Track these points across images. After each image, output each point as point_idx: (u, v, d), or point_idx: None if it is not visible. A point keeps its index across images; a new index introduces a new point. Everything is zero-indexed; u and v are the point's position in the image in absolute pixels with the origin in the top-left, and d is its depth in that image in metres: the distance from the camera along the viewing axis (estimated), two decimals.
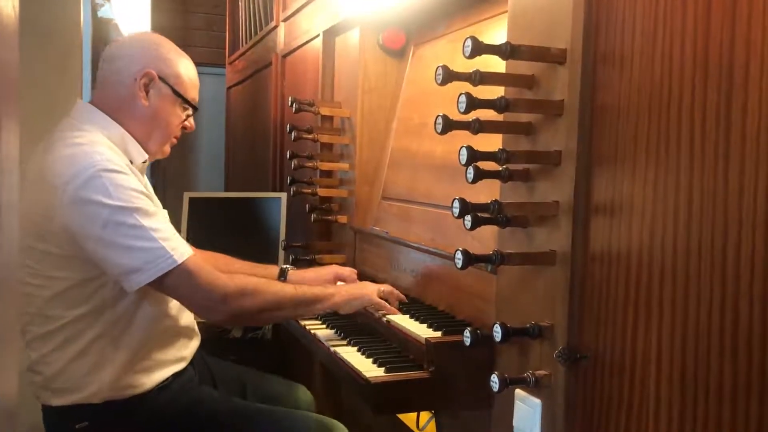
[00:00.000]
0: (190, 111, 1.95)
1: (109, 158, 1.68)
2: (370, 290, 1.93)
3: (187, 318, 1.96)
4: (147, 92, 1.84)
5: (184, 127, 1.96)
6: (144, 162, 1.87)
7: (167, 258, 1.64)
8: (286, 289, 1.83)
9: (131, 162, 1.80)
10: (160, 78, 1.84)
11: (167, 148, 1.97)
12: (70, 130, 1.77)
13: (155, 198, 1.81)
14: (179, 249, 1.67)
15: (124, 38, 1.94)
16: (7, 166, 0.73)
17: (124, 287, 1.68)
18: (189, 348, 1.96)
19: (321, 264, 2.44)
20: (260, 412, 1.90)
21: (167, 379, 1.86)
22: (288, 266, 2.23)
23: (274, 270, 2.20)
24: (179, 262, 1.65)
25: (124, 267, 1.64)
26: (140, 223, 1.64)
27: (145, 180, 1.89)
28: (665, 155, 1.05)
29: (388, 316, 1.86)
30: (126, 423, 1.80)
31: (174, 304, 1.87)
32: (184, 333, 1.94)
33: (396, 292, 1.96)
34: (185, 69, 1.91)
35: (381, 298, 1.92)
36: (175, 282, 1.66)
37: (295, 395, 2.24)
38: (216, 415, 1.88)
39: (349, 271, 2.20)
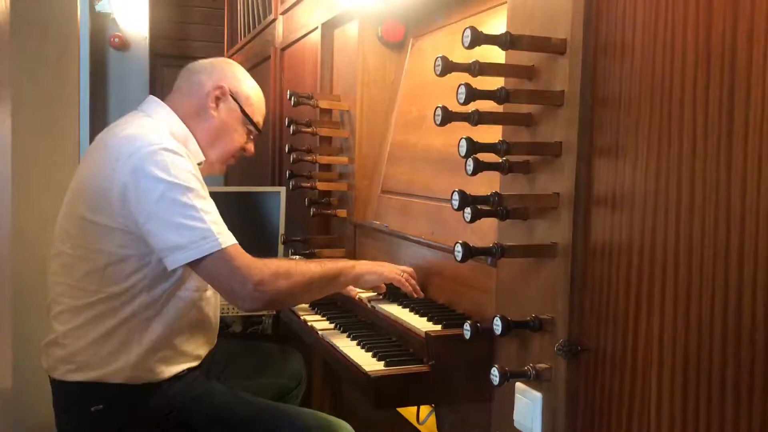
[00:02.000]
0: (253, 133, 2.07)
1: (168, 141, 1.77)
2: (388, 271, 1.95)
3: (214, 316, 1.99)
4: (218, 105, 1.97)
5: (243, 149, 2.07)
6: (199, 164, 1.92)
7: (212, 240, 1.68)
8: (314, 268, 1.85)
9: None
10: (232, 95, 1.98)
11: (224, 168, 2.07)
12: (137, 117, 1.88)
13: (206, 187, 1.85)
14: (225, 234, 1.71)
15: (209, 59, 2.09)
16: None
17: (165, 264, 1.71)
18: (206, 349, 2.00)
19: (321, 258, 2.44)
20: (268, 408, 1.92)
21: (182, 372, 1.89)
22: (296, 257, 2.23)
23: None
24: (222, 246, 1.69)
25: (170, 242, 1.68)
26: (192, 203, 1.69)
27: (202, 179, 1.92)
28: (667, 146, 1.04)
29: (383, 307, 1.86)
30: (139, 411, 1.81)
31: (206, 296, 1.91)
32: (207, 330, 1.97)
33: (414, 279, 1.95)
34: (255, 94, 2.06)
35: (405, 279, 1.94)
36: (213, 264, 1.69)
37: (286, 360, 2.32)
38: (223, 410, 1.89)
39: None
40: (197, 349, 1.94)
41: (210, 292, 1.93)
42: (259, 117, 2.07)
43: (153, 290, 1.79)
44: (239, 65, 2.10)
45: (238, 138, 2.03)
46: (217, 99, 1.97)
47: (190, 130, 1.94)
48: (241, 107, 2.00)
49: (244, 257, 1.73)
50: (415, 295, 1.90)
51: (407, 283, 1.91)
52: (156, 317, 1.81)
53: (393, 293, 1.98)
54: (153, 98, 1.97)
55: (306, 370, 2.40)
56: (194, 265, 1.70)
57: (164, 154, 1.71)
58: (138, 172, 1.69)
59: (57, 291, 1.82)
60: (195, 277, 1.82)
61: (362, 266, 1.94)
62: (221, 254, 1.68)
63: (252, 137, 2.08)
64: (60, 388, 1.83)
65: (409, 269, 1.97)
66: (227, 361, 2.20)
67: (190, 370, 1.92)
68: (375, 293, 2.01)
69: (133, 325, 1.79)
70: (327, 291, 1.95)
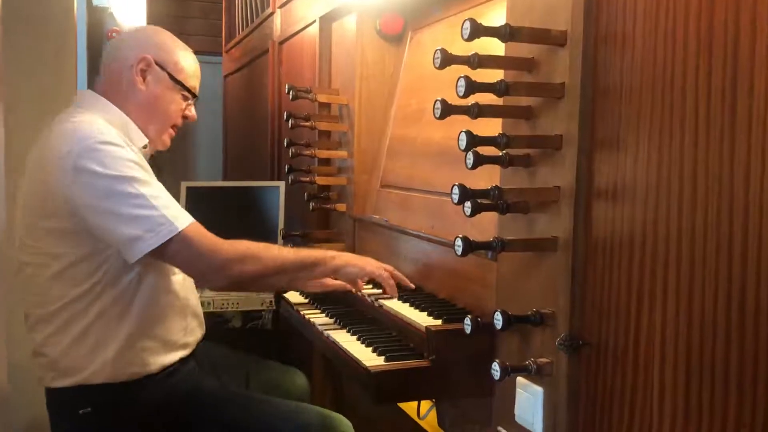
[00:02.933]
0: (190, 99, 1.97)
1: (104, 131, 1.71)
2: (370, 266, 1.93)
3: (194, 298, 1.97)
4: (144, 78, 1.88)
5: (185, 117, 1.98)
6: (144, 147, 1.88)
7: (168, 225, 1.65)
8: (287, 254, 1.83)
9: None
10: (158, 64, 1.88)
11: (167, 139, 1.98)
12: (70, 113, 1.82)
13: (153, 176, 1.80)
14: (180, 217, 1.68)
15: (126, 30, 1.99)
16: None
17: (126, 258, 1.69)
18: (194, 336, 1.96)
19: None
20: (263, 403, 1.90)
21: (173, 364, 1.87)
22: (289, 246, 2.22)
23: None
24: (180, 229, 1.66)
25: (125, 236, 1.65)
26: (139, 192, 1.66)
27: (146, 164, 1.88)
28: (669, 138, 1.02)
29: (383, 302, 1.85)
30: (128, 409, 1.79)
31: (176, 281, 1.88)
32: (187, 314, 1.93)
33: (398, 274, 1.95)
34: (184, 57, 1.95)
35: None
36: (176, 249, 1.67)
37: (291, 381, 2.25)
38: (218, 405, 1.87)
39: None
40: (183, 336, 1.91)
41: (180, 276, 1.88)
42: (193, 81, 1.96)
43: (118, 284, 1.76)
44: (160, 28, 1.99)
45: (174, 107, 1.93)
46: (143, 71, 1.87)
47: (125, 112, 1.86)
48: (170, 74, 1.89)
49: (205, 237, 1.70)
50: (394, 296, 1.89)
51: (388, 280, 1.90)
52: (127, 310, 1.78)
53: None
54: (83, 91, 1.93)
55: (311, 389, 2.36)
56: (156, 253, 1.67)
57: (100, 148, 1.66)
58: (78, 171, 1.64)
59: (28, 302, 1.80)
60: (158, 262, 1.78)
61: (343, 257, 1.93)
62: (181, 237, 1.66)
63: (190, 102, 1.98)
64: (50, 394, 1.82)
65: (390, 267, 1.96)
66: (227, 370, 2.15)
67: (182, 362, 1.89)
68: (377, 291, 2.00)
69: (105, 321, 1.76)
70: (302, 278, 1.94)
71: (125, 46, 1.91)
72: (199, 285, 1.84)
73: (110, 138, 1.69)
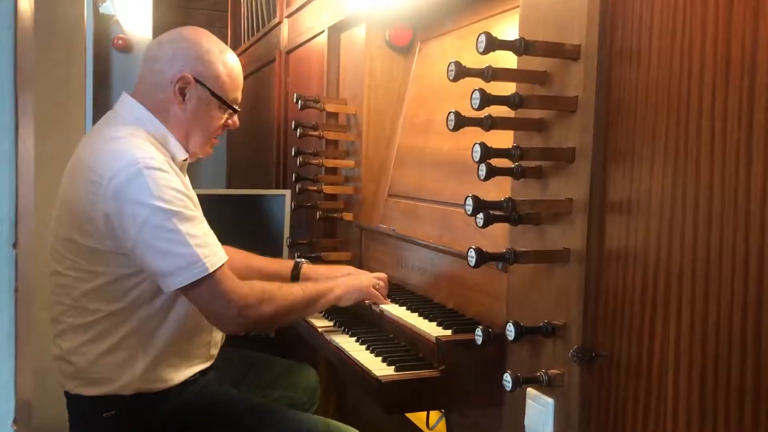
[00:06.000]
0: (232, 111, 1.93)
1: (151, 155, 1.68)
2: (366, 282, 1.98)
3: None
4: (183, 96, 1.82)
5: (227, 126, 1.95)
6: (184, 160, 1.87)
7: (199, 266, 1.64)
8: (296, 292, 1.85)
9: (172, 159, 1.81)
10: (198, 81, 1.82)
11: (209, 149, 1.97)
12: (113, 123, 1.79)
13: (194, 196, 1.80)
14: (212, 256, 1.67)
15: (165, 37, 1.89)
16: (24, 161, 0.73)
17: (161, 287, 1.70)
18: (217, 348, 1.98)
19: (326, 262, 2.43)
20: (278, 414, 1.91)
21: (194, 375, 1.88)
22: (302, 260, 2.23)
23: (288, 264, 2.21)
24: (210, 270, 1.65)
25: (157, 269, 1.66)
26: (177, 228, 1.64)
27: (186, 178, 1.87)
28: (684, 154, 1.03)
29: (392, 311, 1.86)
30: (151, 414, 1.81)
31: None
32: (215, 331, 1.95)
33: (384, 291, 2.01)
34: (225, 68, 1.87)
35: (377, 288, 1.98)
36: (200, 290, 1.67)
37: (302, 376, 2.30)
38: (235, 414, 1.89)
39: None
40: (207, 350, 1.93)
41: None
42: (235, 93, 1.91)
43: (153, 302, 1.77)
44: (204, 36, 1.89)
45: (215, 122, 1.89)
46: (182, 90, 1.81)
47: (165, 125, 1.82)
48: (211, 91, 1.84)
49: (229, 281, 1.69)
50: (386, 302, 1.95)
51: (378, 296, 1.97)
52: (159, 328, 1.79)
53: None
54: (126, 97, 1.85)
55: (321, 386, 2.38)
56: (182, 289, 1.67)
57: (145, 174, 1.63)
58: (119, 198, 1.63)
59: (57, 310, 1.79)
60: None
61: (341, 287, 1.95)
62: (208, 280, 1.65)
63: (233, 112, 1.93)
64: (72, 399, 1.82)
65: (383, 275, 2.02)
66: (241, 372, 2.18)
67: (202, 373, 1.91)
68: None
69: (137, 338, 1.77)
70: (307, 313, 1.96)
71: (164, 59, 1.83)
72: (215, 326, 1.83)
73: (156, 163, 1.66)
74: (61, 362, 1.80)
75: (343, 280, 1.99)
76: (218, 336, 1.99)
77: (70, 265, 1.74)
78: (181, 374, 1.85)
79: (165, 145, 1.81)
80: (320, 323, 2.06)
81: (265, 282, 1.83)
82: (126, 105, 1.84)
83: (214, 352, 1.97)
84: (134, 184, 1.63)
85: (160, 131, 1.82)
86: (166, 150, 1.80)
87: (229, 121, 1.94)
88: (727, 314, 0.96)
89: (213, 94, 1.85)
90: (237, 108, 1.94)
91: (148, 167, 1.64)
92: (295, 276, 2.17)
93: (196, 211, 1.73)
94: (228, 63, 1.88)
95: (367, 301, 2.00)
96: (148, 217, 1.62)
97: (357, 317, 2.06)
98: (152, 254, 1.64)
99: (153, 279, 1.71)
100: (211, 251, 1.68)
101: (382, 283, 2.00)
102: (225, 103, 1.89)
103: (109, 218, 1.65)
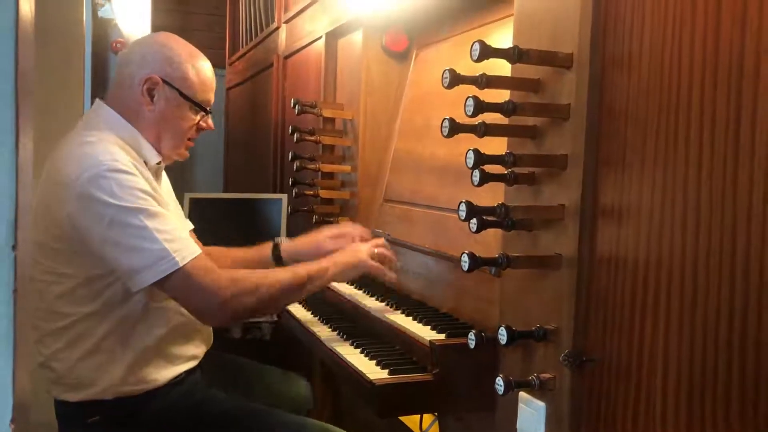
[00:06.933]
0: (203, 112, 1.92)
1: (116, 158, 1.68)
2: (363, 255, 1.92)
3: None
4: (152, 97, 1.83)
5: (200, 128, 1.94)
6: (158, 163, 1.87)
7: (170, 260, 1.63)
8: (283, 278, 1.80)
9: (146, 163, 1.81)
10: (166, 81, 1.83)
11: (184, 152, 1.96)
12: (84, 129, 1.80)
13: (166, 198, 1.79)
14: (182, 251, 1.65)
15: (136, 41, 1.92)
16: (24, 164, 0.75)
17: (129, 287, 1.69)
18: (201, 348, 1.97)
19: None
20: (268, 415, 1.90)
21: (179, 375, 1.87)
22: (279, 238, 2.21)
23: (267, 246, 2.18)
24: (181, 264, 1.64)
25: (126, 267, 1.65)
26: (144, 224, 1.63)
27: (165, 181, 1.87)
28: (673, 160, 1.05)
29: (387, 315, 1.87)
30: (138, 417, 1.80)
31: None
32: (198, 331, 1.93)
33: (389, 253, 1.96)
34: (194, 69, 1.88)
35: (375, 260, 1.93)
36: (176, 284, 1.65)
37: (294, 388, 2.26)
38: (224, 416, 1.88)
39: (351, 229, 2.15)
40: (190, 350, 1.91)
41: None
42: (205, 95, 1.90)
43: (126, 304, 1.76)
44: (174, 40, 1.91)
45: (186, 123, 1.88)
46: (150, 91, 1.82)
47: (136, 129, 1.82)
48: (179, 92, 1.84)
49: (207, 274, 1.67)
50: (393, 278, 1.93)
51: (380, 270, 1.92)
52: (135, 330, 1.78)
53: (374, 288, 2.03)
54: (98, 103, 1.86)
55: (315, 392, 2.36)
56: (157, 285, 1.66)
57: (109, 176, 1.63)
58: (84, 199, 1.63)
59: (36, 316, 1.79)
60: None
61: (337, 265, 1.89)
62: (181, 273, 1.64)
63: (205, 113, 1.93)
64: (59, 405, 1.83)
65: (380, 240, 1.98)
66: (231, 378, 2.16)
67: (188, 373, 1.90)
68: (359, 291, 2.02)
69: (114, 339, 1.76)
70: (299, 296, 1.93)
71: (132, 62, 1.85)
72: (197, 320, 1.80)
73: (121, 165, 1.67)
74: (45, 369, 1.80)
75: (337, 257, 1.94)
76: (204, 334, 1.97)
77: (42, 269, 1.75)
78: (165, 374, 1.83)
79: (138, 149, 1.81)
80: (316, 328, 2.07)
81: (250, 271, 1.81)
82: (97, 110, 1.86)
83: (200, 351, 1.96)
84: (99, 185, 1.63)
85: (132, 134, 1.82)
86: (139, 154, 1.80)
87: (202, 123, 1.94)
88: (713, 319, 0.98)
89: (182, 94, 1.85)
90: (209, 109, 1.94)
91: (112, 169, 1.65)
92: (276, 256, 2.14)
93: (164, 210, 1.72)
94: (197, 65, 1.90)
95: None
96: (114, 216, 1.62)
97: (352, 321, 2.07)
98: (120, 252, 1.64)
99: (125, 279, 1.69)
100: (182, 245, 1.66)
101: (381, 250, 1.95)
102: (195, 104, 1.88)
103: (74, 217, 1.65)
